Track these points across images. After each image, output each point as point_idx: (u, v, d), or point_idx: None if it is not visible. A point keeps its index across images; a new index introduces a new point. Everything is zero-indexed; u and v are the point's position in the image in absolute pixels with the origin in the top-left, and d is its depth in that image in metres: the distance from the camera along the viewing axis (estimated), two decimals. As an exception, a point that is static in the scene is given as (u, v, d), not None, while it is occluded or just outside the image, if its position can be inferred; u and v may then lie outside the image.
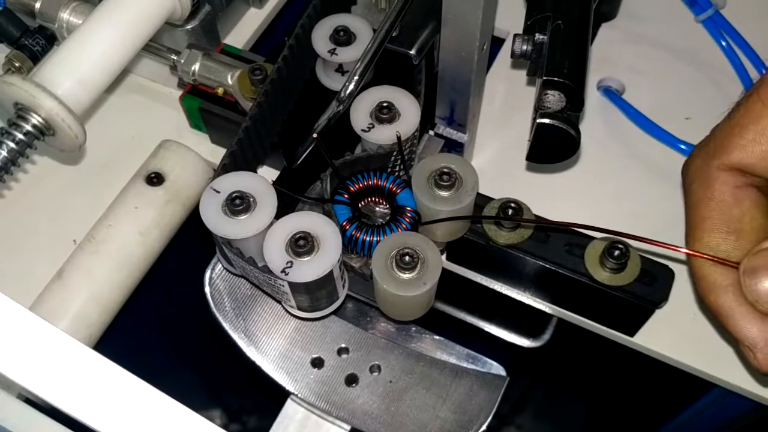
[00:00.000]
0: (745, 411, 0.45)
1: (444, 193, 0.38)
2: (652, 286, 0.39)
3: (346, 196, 0.39)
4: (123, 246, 0.44)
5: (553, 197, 0.47)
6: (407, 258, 0.36)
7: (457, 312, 0.45)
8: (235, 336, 0.43)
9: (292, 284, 0.35)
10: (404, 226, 0.38)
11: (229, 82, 0.46)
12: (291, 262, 0.35)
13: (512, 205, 0.40)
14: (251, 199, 0.36)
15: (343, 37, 0.41)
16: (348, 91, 0.37)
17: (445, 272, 0.44)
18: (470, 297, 0.45)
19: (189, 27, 0.48)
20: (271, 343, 0.43)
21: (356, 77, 0.37)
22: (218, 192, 0.36)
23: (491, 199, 0.41)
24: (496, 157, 0.49)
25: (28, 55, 0.49)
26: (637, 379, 0.66)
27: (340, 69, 0.42)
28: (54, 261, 0.44)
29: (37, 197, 0.49)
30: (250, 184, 0.36)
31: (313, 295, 0.37)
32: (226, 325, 0.43)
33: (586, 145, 0.50)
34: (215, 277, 0.43)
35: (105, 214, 0.46)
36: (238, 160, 0.39)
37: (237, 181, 0.36)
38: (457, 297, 0.45)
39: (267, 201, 0.36)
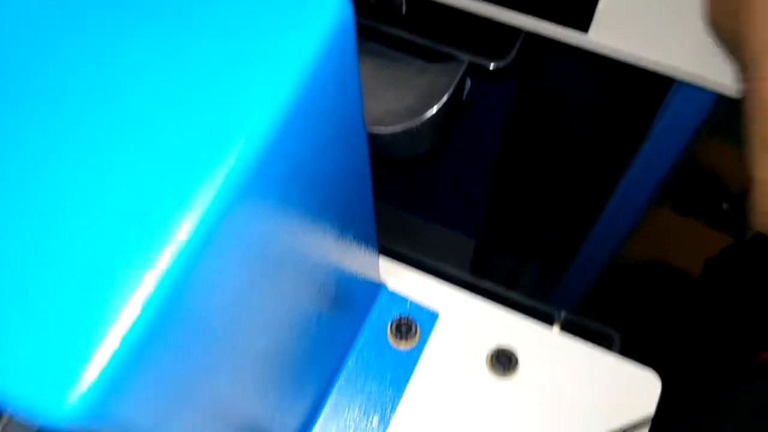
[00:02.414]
0: (708, 104, 0.45)
1: None
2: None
3: None
4: None
5: None
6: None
7: (424, 40, 0.46)
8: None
9: None
10: None
11: None
12: None
13: None
14: None
15: None
16: None
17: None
18: (441, 21, 0.46)
19: None
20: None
21: None
22: None
23: None
24: None
25: None
26: (602, 89, 0.65)
27: None
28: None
29: None
30: None
31: None
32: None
33: None
34: None
35: None
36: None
37: None
38: (430, 24, 0.46)
39: None
